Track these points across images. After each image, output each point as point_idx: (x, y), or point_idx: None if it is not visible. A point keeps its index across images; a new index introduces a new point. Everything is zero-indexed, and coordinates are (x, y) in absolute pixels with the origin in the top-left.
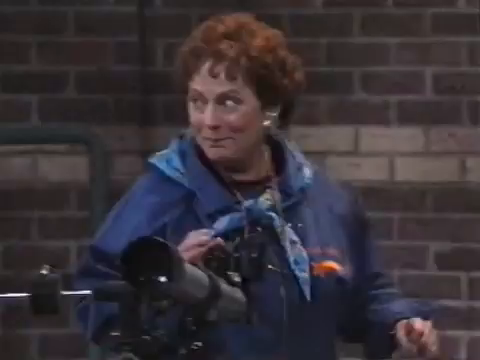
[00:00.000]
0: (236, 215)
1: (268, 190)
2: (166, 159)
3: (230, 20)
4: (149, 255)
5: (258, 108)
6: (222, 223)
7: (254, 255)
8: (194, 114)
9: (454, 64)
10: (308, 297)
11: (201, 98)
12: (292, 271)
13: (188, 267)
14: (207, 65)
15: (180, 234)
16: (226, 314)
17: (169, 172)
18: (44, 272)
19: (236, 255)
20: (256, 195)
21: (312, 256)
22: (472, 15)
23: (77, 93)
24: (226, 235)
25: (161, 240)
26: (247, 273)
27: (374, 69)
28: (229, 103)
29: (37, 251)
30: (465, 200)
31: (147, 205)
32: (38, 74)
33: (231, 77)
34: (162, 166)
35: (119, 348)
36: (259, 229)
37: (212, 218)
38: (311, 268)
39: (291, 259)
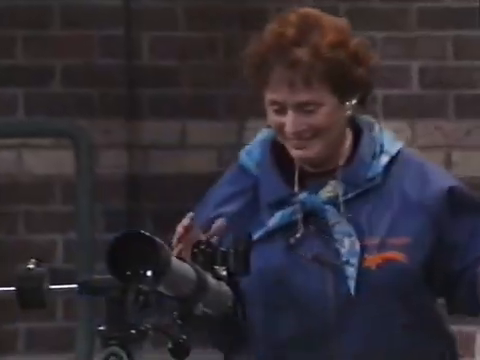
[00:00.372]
0: (288, 210)
1: (332, 181)
2: (248, 150)
3: (295, 20)
4: (136, 249)
5: (337, 104)
6: (275, 219)
7: (241, 249)
8: (273, 117)
9: (440, 58)
10: (352, 291)
11: (279, 105)
12: (341, 264)
13: (175, 261)
14: (280, 74)
15: (240, 222)
16: (213, 308)
17: (245, 163)
18: (30, 266)
19: (223, 249)
20: (322, 186)
21: (367, 248)
22: (458, 9)
23: (63, 87)
24: (279, 230)
25: (147, 234)
26: (234, 267)
27: None
28: (309, 108)
29: (23, 245)
30: None
31: (217, 195)
32: (24, 68)
33: (307, 84)
34: (242, 157)
35: (106, 343)
36: (311, 223)
37: (271, 208)
38: (363, 260)
39: (341, 252)
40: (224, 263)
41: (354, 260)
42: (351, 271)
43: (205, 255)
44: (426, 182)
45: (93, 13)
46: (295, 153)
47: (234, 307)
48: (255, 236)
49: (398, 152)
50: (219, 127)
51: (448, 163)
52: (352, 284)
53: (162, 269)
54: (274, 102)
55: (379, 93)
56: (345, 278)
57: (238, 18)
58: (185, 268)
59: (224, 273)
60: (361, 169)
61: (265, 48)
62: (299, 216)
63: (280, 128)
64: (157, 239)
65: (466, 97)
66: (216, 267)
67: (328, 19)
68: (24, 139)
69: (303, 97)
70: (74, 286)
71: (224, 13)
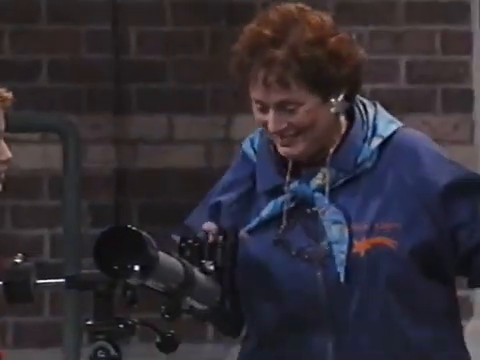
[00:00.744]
0: (280, 199)
1: (323, 168)
2: (251, 138)
3: (275, 18)
4: (123, 244)
5: (320, 102)
6: (267, 209)
7: (228, 243)
8: (257, 115)
9: (428, 53)
10: (342, 278)
11: (261, 103)
12: (330, 252)
13: (162, 256)
14: (258, 74)
15: (238, 210)
16: (201, 302)
17: (247, 150)
18: (17, 260)
19: (210, 244)
20: (315, 174)
21: (356, 233)
22: (445, 3)
23: (50, 81)
24: (271, 220)
25: (135, 229)
26: (221, 262)
27: None
28: (289, 107)
29: (10, 239)
30: None
31: (221, 183)
32: (11, 62)
33: (283, 84)
34: (245, 144)
35: (94, 337)
36: (300, 211)
37: (267, 196)
38: (352, 246)
39: (330, 240)
40: (211, 257)
41: (343, 247)
42: (341, 258)
43: (192, 249)
44: (418, 167)
45: (80, 8)
46: (281, 150)
47: (222, 301)
48: (249, 226)
49: (393, 134)
50: (207, 122)
51: None
52: (342, 271)
53: (149, 264)
54: (256, 100)
55: (367, 87)
56: (334, 265)
57: (225, 13)
58: (173, 263)
59: (212, 267)
60: (351, 154)
61: (244, 47)
62: (287, 207)
63: (264, 126)
64: (144, 234)
65: (453, 91)
66: (203, 261)
67: (310, 16)
68: (11, 134)
69: (280, 96)
70: (61, 281)
71: (211, 8)
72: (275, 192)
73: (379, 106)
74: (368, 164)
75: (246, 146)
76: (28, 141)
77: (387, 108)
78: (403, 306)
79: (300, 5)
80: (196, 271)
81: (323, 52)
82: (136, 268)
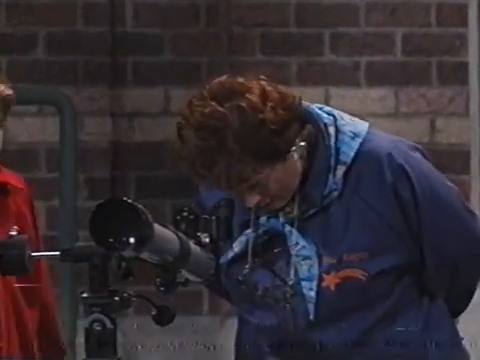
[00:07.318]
0: (248, 235)
1: (291, 202)
2: None
3: (208, 120)
4: (119, 217)
5: (282, 163)
6: (240, 243)
7: (222, 216)
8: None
9: (424, 25)
10: (311, 315)
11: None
12: (300, 289)
13: (157, 228)
14: (220, 180)
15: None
16: (195, 275)
17: None
18: (13, 233)
19: (205, 216)
20: (282, 208)
21: (325, 267)
22: None
23: (47, 54)
24: (244, 254)
25: (130, 201)
26: (216, 234)
27: (344, 30)
28: (259, 184)
29: None
30: (434, 161)
31: None
32: (7, 35)
33: (246, 179)
34: None
35: (89, 310)
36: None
37: (239, 227)
38: (321, 280)
39: (299, 277)
40: (206, 230)
41: (312, 284)
42: (310, 295)
43: (187, 222)
44: (381, 184)
45: None
46: (265, 208)
47: (216, 274)
48: (223, 260)
49: (357, 153)
50: None
51: (432, 130)
52: (311, 308)
53: (145, 236)
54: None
55: (363, 60)
56: (304, 302)
57: None
58: (168, 235)
59: (207, 240)
60: (317, 188)
61: (193, 160)
62: (256, 242)
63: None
64: (140, 206)
65: (449, 64)
66: (199, 234)
67: (237, 106)
68: None
69: (244, 186)
70: (57, 253)
71: None
72: (246, 225)
73: (338, 117)
74: (335, 194)
75: None
76: (25, 114)
77: (383, 81)
78: (377, 322)
79: (218, 90)
80: (191, 244)
81: (265, 131)
82: (131, 240)
